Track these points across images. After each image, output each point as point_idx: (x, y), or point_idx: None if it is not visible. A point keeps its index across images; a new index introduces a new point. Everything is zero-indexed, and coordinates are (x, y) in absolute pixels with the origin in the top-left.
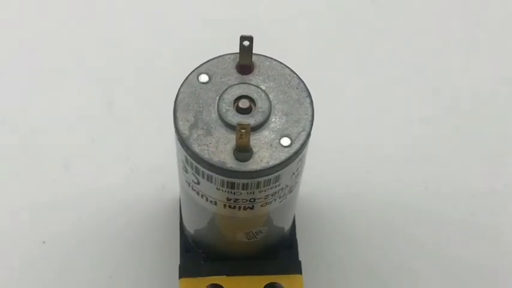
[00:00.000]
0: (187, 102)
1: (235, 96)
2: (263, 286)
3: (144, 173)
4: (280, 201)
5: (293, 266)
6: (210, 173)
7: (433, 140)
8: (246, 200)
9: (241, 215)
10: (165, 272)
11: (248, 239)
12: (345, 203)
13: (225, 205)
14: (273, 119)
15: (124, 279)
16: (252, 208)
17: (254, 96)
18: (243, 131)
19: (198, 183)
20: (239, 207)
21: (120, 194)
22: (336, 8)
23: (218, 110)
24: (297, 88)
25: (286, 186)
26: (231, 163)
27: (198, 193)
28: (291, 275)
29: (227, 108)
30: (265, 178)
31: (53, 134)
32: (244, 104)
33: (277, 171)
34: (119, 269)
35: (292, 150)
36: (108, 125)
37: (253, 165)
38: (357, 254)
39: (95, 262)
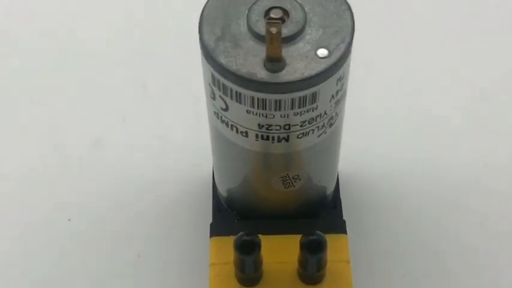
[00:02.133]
0: (215, 16)
1: (267, 7)
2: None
3: (176, 150)
4: (319, 135)
5: (337, 225)
6: (239, 89)
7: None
8: (280, 127)
9: (276, 150)
10: (195, 253)
11: (285, 187)
12: (396, 179)
13: (257, 135)
14: (309, 31)
15: (153, 258)
16: (287, 140)
17: (287, 7)
18: (274, 31)
19: (227, 108)
20: (273, 138)
21: (151, 171)
22: None
23: (248, 22)
24: (335, 1)
25: (325, 113)
26: (261, 74)
27: (227, 124)
28: (335, 234)
29: (257, 18)
30: (301, 94)
31: (84, 112)
32: (276, 13)
33: (313, 86)
34: (149, 247)
35: (330, 62)
36: (140, 104)
37: (286, 76)
38: (408, 227)
39: (124, 240)
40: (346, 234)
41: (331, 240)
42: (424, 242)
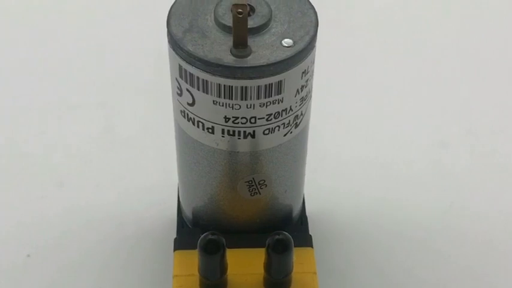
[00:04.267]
0: (182, 12)
1: (234, 3)
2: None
3: (140, 191)
4: (285, 134)
5: (304, 240)
6: (206, 77)
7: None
8: (246, 120)
9: (242, 148)
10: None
11: (251, 194)
12: (363, 220)
13: (223, 130)
14: (274, 25)
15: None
16: (253, 136)
17: (253, 3)
18: (240, 14)
19: (193, 102)
20: (239, 133)
21: (114, 211)
22: None
23: (215, 15)
24: (299, 1)
25: (291, 109)
26: (228, 59)
27: (194, 121)
28: (302, 248)
29: (224, 12)
30: (266, 82)
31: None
32: (242, 1)
33: (278, 73)
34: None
35: (295, 50)
36: (106, 148)
37: (252, 61)
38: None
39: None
40: (313, 248)
41: (298, 253)
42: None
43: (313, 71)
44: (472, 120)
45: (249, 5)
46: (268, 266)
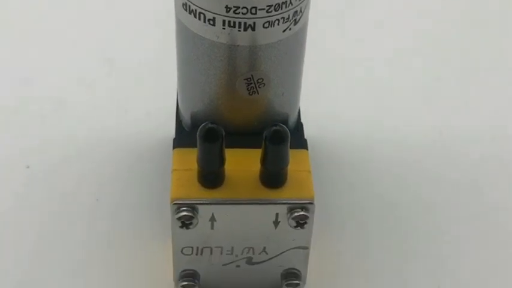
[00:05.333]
0: None
1: None
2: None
3: (138, 115)
4: (284, 30)
5: (299, 143)
6: None
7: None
8: (247, 10)
9: (242, 42)
10: (153, 202)
11: (249, 92)
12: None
13: (224, 21)
14: None
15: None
16: (253, 28)
17: None
18: None
19: None
20: (239, 25)
21: (114, 133)
22: None
23: None
24: None
25: (290, 3)
26: None
27: (195, 13)
28: (297, 150)
29: None
30: None
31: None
32: None
33: None
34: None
35: None
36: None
37: None
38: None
39: (83, 185)
40: (307, 150)
41: (294, 154)
42: (383, 196)
43: None
44: None
45: None
46: (264, 158)
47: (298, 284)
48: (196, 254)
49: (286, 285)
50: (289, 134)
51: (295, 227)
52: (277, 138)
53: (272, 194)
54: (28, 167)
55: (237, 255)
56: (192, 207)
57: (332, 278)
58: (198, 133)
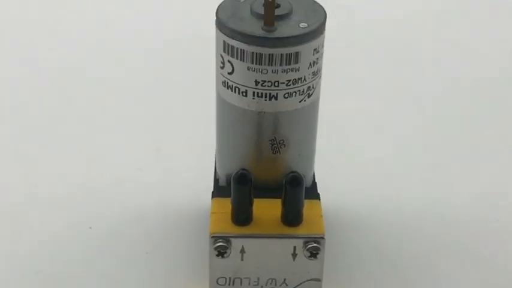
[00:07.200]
0: (226, 7)
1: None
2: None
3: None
4: (300, 101)
5: (313, 195)
6: (243, 47)
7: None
8: (271, 84)
9: (267, 108)
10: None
11: (273, 152)
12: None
13: (253, 93)
14: (293, 16)
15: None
16: (276, 98)
17: (279, 1)
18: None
19: (232, 71)
20: (265, 95)
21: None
22: None
23: (250, 8)
24: (313, 3)
25: (305, 79)
26: (259, 32)
27: (232, 88)
28: (311, 200)
29: (257, 5)
30: (287, 51)
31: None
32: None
33: (296, 45)
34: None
35: (308, 29)
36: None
37: (277, 34)
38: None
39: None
40: (320, 201)
41: (309, 203)
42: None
43: (322, 54)
44: None
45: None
46: (285, 200)
47: None
48: (229, 284)
49: None
50: (304, 179)
51: (309, 257)
52: (294, 182)
53: (291, 231)
54: (91, 227)
55: (262, 286)
56: (227, 240)
57: None
58: (232, 177)
